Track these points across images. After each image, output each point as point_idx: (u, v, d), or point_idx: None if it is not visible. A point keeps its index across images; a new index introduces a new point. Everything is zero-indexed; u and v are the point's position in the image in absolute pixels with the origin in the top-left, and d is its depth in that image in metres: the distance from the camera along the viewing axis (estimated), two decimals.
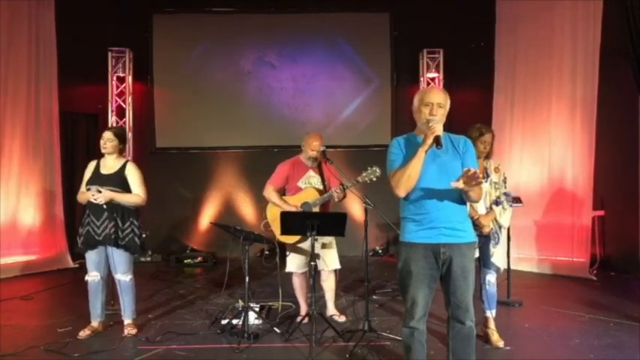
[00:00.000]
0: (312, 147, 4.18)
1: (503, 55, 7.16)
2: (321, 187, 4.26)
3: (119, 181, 3.86)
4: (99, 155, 4.02)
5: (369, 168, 3.95)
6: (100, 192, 3.73)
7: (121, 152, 4.01)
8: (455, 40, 7.80)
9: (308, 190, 4.23)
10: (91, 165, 4.00)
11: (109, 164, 3.94)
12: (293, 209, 4.11)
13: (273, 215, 4.18)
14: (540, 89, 6.71)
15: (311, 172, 4.26)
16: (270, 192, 4.25)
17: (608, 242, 6.61)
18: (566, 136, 6.45)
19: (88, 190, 3.82)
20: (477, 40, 7.72)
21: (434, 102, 2.54)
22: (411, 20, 8.02)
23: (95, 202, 3.75)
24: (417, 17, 7.94)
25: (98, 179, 3.85)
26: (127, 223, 3.87)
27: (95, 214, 3.80)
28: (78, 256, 6.50)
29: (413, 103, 2.64)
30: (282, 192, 4.32)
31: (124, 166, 3.94)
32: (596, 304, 4.83)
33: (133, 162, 4.10)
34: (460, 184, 2.39)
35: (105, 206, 3.77)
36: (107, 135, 3.95)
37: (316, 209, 4.16)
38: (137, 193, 3.91)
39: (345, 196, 4.12)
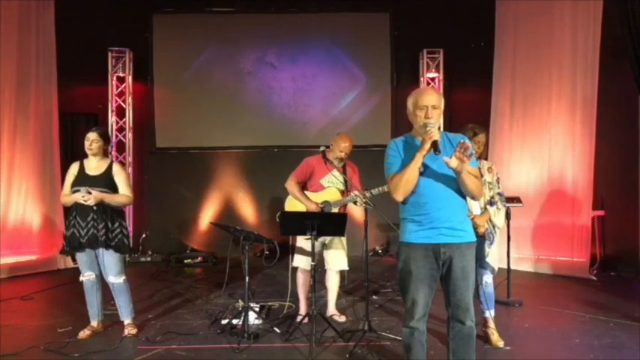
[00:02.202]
0: (341, 148, 4.17)
1: (503, 55, 7.15)
2: (343, 188, 4.27)
3: (107, 182, 3.83)
4: None
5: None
6: (90, 193, 3.69)
7: (105, 153, 3.97)
8: (455, 40, 7.80)
9: (331, 189, 4.24)
10: (74, 166, 3.91)
11: (95, 165, 3.89)
12: (313, 205, 4.13)
13: (292, 208, 4.24)
14: (540, 89, 6.70)
15: (335, 172, 4.24)
16: (292, 184, 4.25)
17: (608, 242, 6.60)
18: (566, 136, 6.44)
19: (76, 191, 3.76)
20: (477, 40, 7.73)
21: (428, 105, 2.52)
22: (411, 20, 8.02)
23: (85, 203, 3.70)
24: (417, 17, 7.94)
25: (86, 181, 3.79)
26: (116, 224, 3.86)
27: (81, 215, 3.77)
28: None
29: (407, 107, 2.63)
30: (302, 187, 4.30)
31: (110, 167, 3.91)
32: (596, 304, 4.83)
33: (118, 163, 4.08)
34: (453, 161, 2.39)
35: (94, 207, 3.74)
36: (92, 136, 3.87)
37: (336, 210, 4.18)
38: (125, 193, 3.90)
39: (368, 204, 3.95)
